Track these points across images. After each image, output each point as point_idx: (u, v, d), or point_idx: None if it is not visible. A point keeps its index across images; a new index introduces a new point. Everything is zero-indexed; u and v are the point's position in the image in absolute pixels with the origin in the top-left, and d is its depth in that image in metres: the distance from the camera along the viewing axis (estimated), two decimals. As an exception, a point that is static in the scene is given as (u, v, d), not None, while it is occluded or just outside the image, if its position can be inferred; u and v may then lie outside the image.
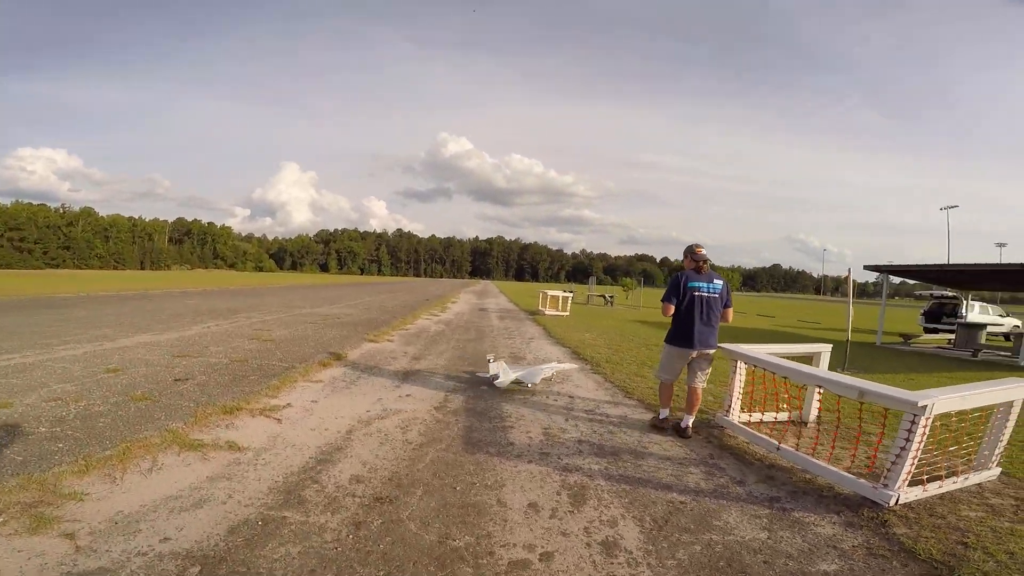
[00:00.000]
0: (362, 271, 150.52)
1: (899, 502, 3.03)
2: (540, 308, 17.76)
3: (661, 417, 4.62)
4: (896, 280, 14.91)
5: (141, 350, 7.13)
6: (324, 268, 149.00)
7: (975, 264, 11.76)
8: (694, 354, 4.40)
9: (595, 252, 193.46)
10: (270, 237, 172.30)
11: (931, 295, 19.76)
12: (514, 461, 3.58)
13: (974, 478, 3.42)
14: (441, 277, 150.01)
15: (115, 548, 2.31)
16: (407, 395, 5.34)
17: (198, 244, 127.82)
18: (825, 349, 5.06)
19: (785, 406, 4.88)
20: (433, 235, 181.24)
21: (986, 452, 3.50)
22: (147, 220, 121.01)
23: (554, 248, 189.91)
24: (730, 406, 4.59)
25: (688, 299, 4.35)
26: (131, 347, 7.35)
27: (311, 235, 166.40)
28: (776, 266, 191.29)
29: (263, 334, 9.38)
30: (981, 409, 3.40)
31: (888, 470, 3.08)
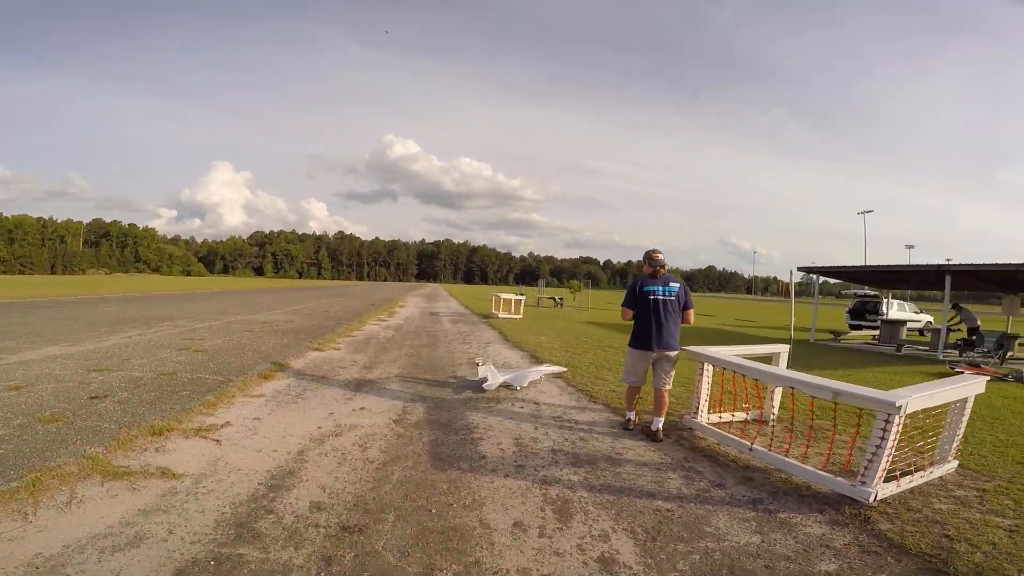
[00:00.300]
0: (300, 275, 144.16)
1: (877, 498, 3.06)
2: (493, 311, 17.55)
3: (627, 419, 4.65)
4: (820, 280, 15.86)
5: (50, 364, 6.27)
6: (259, 272, 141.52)
7: (897, 265, 12.71)
8: (655, 356, 4.50)
9: (542, 255, 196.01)
10: (199, 239, 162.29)
11: (855, 294, 21.26)
12: (489, 476, 3.33)
13: (937, 471, 3.52)
14: (386, 280, 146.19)
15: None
16: (361, 408, 4.94)
17: (117, 247, 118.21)
18: (784, 349, 5.16)
19: (747, 406, 4.93)
20: (377, 237, 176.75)
21: (946, 447, 3.62)
22: (59, 221, 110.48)
23: (503, 251, 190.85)
24: (698, 408, 4.57)
25: (644, 303, 4.49)
26: (37, 361, 6.45)
27: (244, 237, 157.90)
28: (711, 267, 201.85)
29: (193, 344, 8.58)
30: (942, 406, 3.51)
31: (865, 468, 3.10)
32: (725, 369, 4.30)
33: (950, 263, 11.44)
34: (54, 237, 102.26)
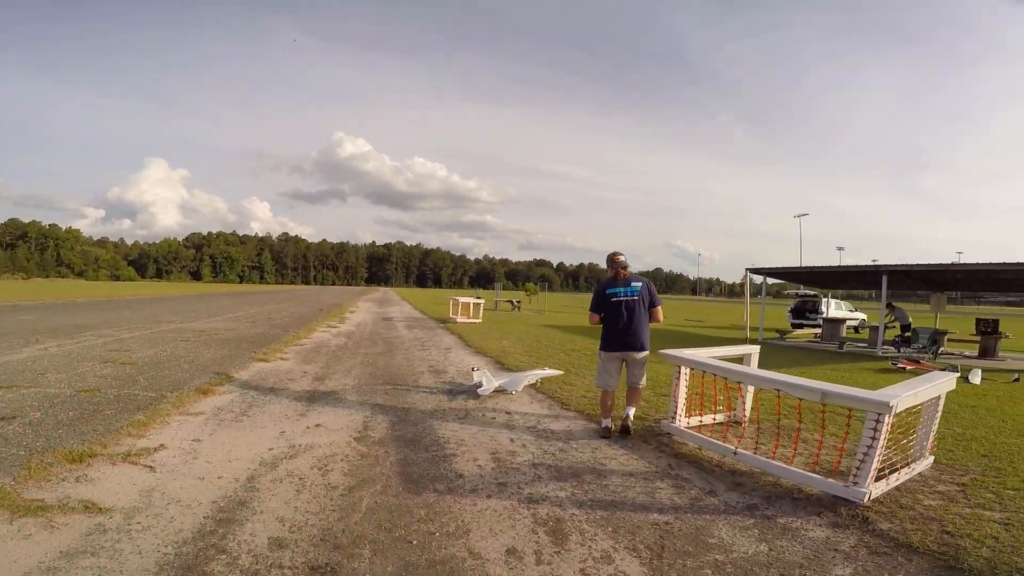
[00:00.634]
0: (241, 279, 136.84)
1: (871, 498, 3.01)
2: (451, 316, 17.13)
3: (604, 426, 4.48)
4: (759, 279, 16.51)
5: (-59, 384, 5.41)
6: (196, 276, 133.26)
7: (839, 266, 13.36)
8: (625, 356, 4.54)
9: (497, 257, 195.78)
10: (129, 241, 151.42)
11: (796, 294, 22.34)
12: (470, 498, 3.03)
13: (916, 468, 3.54)
14: (334, 284, 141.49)
15: None
16: (317, 425, 4.48)
17: (37, 250, 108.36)
18: (754, 350, 5.15)
19: (721, 407, 4.87)
20: (324, 240, 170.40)
21: (923, 443, 3.65)
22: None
23: (457, 253, 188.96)
24: (676, 412, 4.45)
25: (608, 306, 4.52)
26: (-74, 380, 5.56)
27: (180, 239, 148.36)
28: (658, 269, 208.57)
29: (120, 356, 7.74)
30: (920, 404, 3.54)
31: (857, 468, 3.05)
32: (706, 372, 4.19)
33: (888, 264, 12.14)
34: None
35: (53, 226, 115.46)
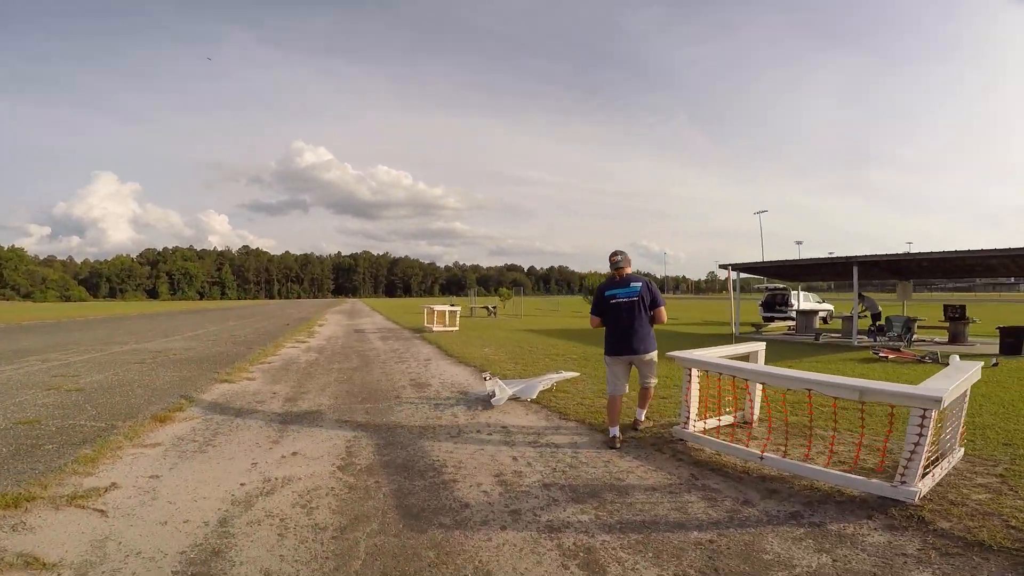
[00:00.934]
0: (201, 295, 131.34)
1: (921, 496, 2.79)
2: (427, 325, 16.59)
3: (612, 436, 4.16)
4: (733, 275, 16.61)
5: None
6: (153, 294, 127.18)
7: (812, 259, 13.54)
8: (631, 359, 4.37)
9: (468, 264, 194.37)
10: (79, 260, 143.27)
11: (766, 288, 22.76)
12: (483, 531, 2.63)
13: (952, 461, 3.35)
14: (300, 298, 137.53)
15: None
16: (293, 453, 3.96)
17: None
18: (760, 348, 4.94)
19: (728, 409, 4.63)
20: (287, 252, 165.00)
21: (955, 435, 3.47)
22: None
23: (426, 261, 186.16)
24: (688, 416, 4.17)
25: (608, 308, 4.38)
26: None
27: (134, 256, 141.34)
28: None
29: (66, 382, 6.99)
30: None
31: (905, 466, 2.82)
32: (723, 375, 3.92)
33: (859, 255, 12.32)
34: None
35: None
